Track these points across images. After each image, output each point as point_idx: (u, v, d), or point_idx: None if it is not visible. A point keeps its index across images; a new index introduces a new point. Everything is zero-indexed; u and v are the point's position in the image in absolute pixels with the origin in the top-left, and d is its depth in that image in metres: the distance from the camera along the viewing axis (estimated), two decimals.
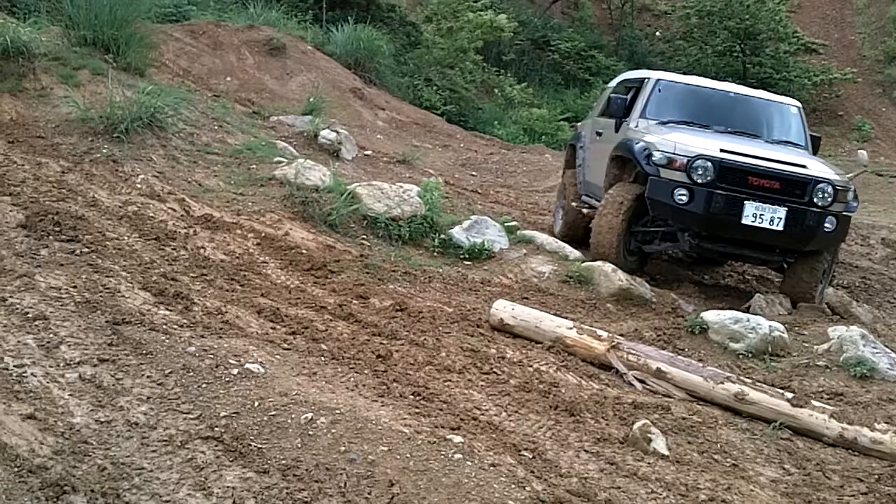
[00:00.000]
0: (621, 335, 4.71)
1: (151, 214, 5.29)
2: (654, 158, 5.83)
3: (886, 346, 4.95)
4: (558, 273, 5.97)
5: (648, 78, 7.04)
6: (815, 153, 6.90)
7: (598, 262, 6.01)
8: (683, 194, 5.68)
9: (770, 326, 5.00)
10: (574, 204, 7.63)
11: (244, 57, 13.13)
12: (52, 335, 3.36)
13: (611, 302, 5.65)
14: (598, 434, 3.48)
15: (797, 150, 6.56)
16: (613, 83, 8.28)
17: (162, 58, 10.50)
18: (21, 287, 3.78)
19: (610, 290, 5.74)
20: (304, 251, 5.42)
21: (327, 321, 4.32)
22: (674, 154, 5.76)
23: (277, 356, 3.66)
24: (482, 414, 3.49)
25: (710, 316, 5.18)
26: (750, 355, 4.86)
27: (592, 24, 25.05)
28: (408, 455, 2.89)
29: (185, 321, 3.85)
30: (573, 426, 3.53)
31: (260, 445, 2.83)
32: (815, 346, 5.02)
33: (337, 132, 9.40)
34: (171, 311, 3.95)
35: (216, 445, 2.79)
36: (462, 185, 10.16)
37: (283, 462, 2.75)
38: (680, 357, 4.47)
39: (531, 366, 4.16)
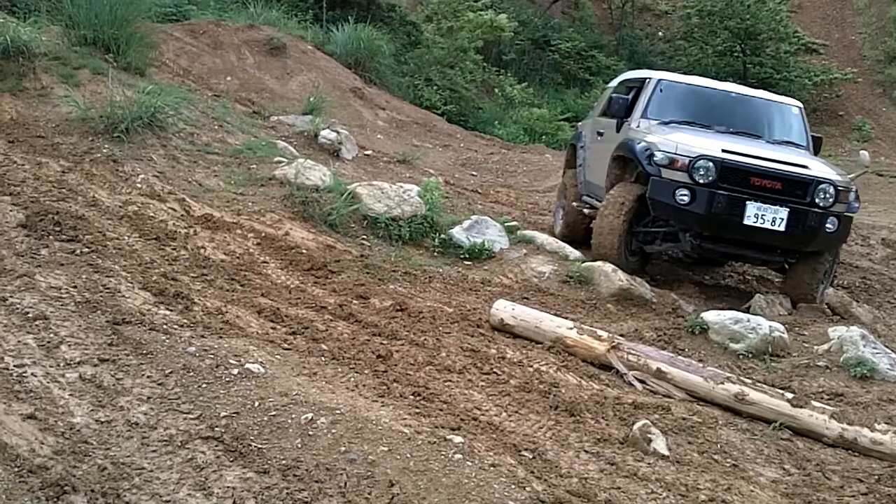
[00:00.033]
0: (621, 335, 4.71)
1: (152, 214, 5.29)
2: (655, 159, 5.83)
3: (886, 347, 4.95)
4: (558, 273, 5.97)
5: (650, 78, 7.04)
6: (816, 154, 6.90)
7: (599, 263, 6.01)
8: (685, 194, 5.68)
9: (770, 327, 5.00)
10: (575, 204, 7.62)
11: (244, 56, 13.12)
12: (52, 335, 3.36)
13: (611, 302, 5.64)
14: (599, 434, 3.48)
15: (798, 151, 6.56)
16: (614, 83, 8.28)
17: (162, 57, 10.50)
18: (21, 287, 3.78)
19: (610, 290, 5.74)
20: (304, 251, 5.42)
21: (327, 321, 4.32)
22: (675, 154, 5.76)
23: (278, 356, 3.66)
24: (482, 414, 3.49)
25: (711, 316, 5.18)
26: (750, 356, 4.86)
27: (593, 23, 25.04)
28: (408, 455, 2.89)
29: (185, 321, 3.85)
30: (573, 426, 3.53)
31: (260, 445, 2.83)
32: (816, 347, 5.02)
33: (337, 132, 9.40)
34: (171, 311, 3.95)
35: (216, 445, 2.79)
36: (462, 184, 10.16)
37: (284, 462, 2.75)
38: (680, 357, 4.47)
39: (531, 366, 4.16)
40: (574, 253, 6.44)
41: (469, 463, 2.93)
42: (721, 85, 7.22)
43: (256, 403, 3.11)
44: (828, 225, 5.69)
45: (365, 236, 6.11)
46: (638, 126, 6.52)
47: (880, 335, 5.50)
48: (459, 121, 16.39)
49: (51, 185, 5.32)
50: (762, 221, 5.60)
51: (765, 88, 8.63)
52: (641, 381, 4.19)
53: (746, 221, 5.61)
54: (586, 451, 3.31)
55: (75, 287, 3.90)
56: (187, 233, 5.17)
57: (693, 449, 3.52)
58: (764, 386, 4.15)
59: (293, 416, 3.04)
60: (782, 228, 5.62)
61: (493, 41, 19.43)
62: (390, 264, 5.66)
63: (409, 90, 16.39)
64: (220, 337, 3.74)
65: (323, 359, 3.77)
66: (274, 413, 3.05)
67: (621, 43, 23.95)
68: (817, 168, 5.92)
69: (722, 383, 4.08)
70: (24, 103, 6.57)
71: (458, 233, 6.36)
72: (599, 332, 4.53)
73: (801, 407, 3.90)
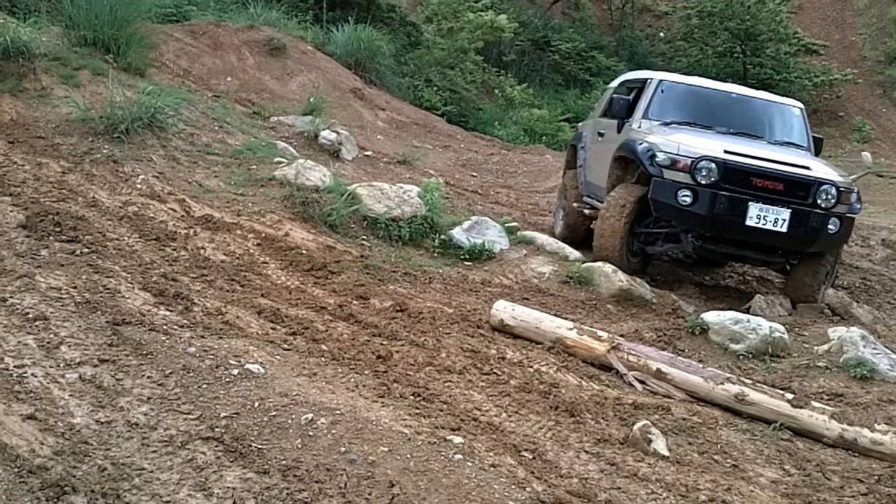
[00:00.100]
0: (622, 336, 4.71)
1: (152, 215, 5.29)
2: (657, 159, 5.82)
3: (886, 347, 4.95)
4: (559, 274, 5.97)
5: (651, 78, 7.03)
6: (817, 154, 6.90)
7: (599, 263, 6.01)
8: (687, 195, 5.67)
9: (770, 327, 4.99)
10: (575, 205, 7.62)
11: (244, 57, 13.13)
12: (52, 335, 3.36)
13: (611, 303, 5.64)
14: (599, 435, 3.48)
15: (800, 152, 6.55)
16: (614, 84, 8.27)
17: (162, 58, 10.50)
18: (21, 287, 3.78)
19: (610, 290, 5.74)
20: (304, 252, 5.42)
21: (327, 322, 4.32)
22: (677, 155, 5.75)
23: (278, 357, 3.66)
24: (482, 414, 3.49)
25: (711, 317, 5.17)
26: (750, 356, 4.86)
27: (593, 24, 25.06)
28: (408, 456, 2.89)
29: (185, 322, 3.85)
30: (573, 427, 3.53)
31: (260, 446, 2.83)
32: (816, 347, 5.02)
33: (337, 132, 9.41)
34: (171, 311, 3.95)
35: (216, 446, 2.79)
36: (462, 185, 10.16)
37: (284, 462, 2.74)
38: (680, 358, 4.46)
39: (531, 366, 4.16)
40: (574, 253, 6.43)
41: (469, 463, 2.93)
42: (722, 86, 7.22)
43: (256, 404, 3.10)
44: (830, 226, 5.69)
45: (365, 237, 6.11)
46: (639, 127, 6.51)
47: (880, 336, 5.50)
48: (459, 121, 16.39)
49: (51, 185, 5.32)
50: (764, 222, 5.60)
51: (765, 89, 8.64)
52: (641, 382, 4.19)
53: (748, 222, 5.60)
54: (586, 452, 3.31)
55: (75, 287, 3.90)
56: (187, 233, 5.17)
57: (693, 449, 3.52)
58: (764, 386, 4.15)
59: (293, 416, 3.04)
60: (784, 229, 5.61)
61: (493, 42, 19.44)
62: (390, 265, 5.66)
63: (410, 91, 16.40)
64: (220, 337, 3.74)
65: (323, 359, 3.77)
66: (274, 413, 3.05)
67: (621, 44, 23.97)
68: (819, 169, 5.91)
69: (722, 384, 4.07)
70: (25, 104, 6.57)
71: (458, 233, 6.36)
72: (599, 333, 4.53)
73: (801, 407, 3.90)
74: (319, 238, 5.76)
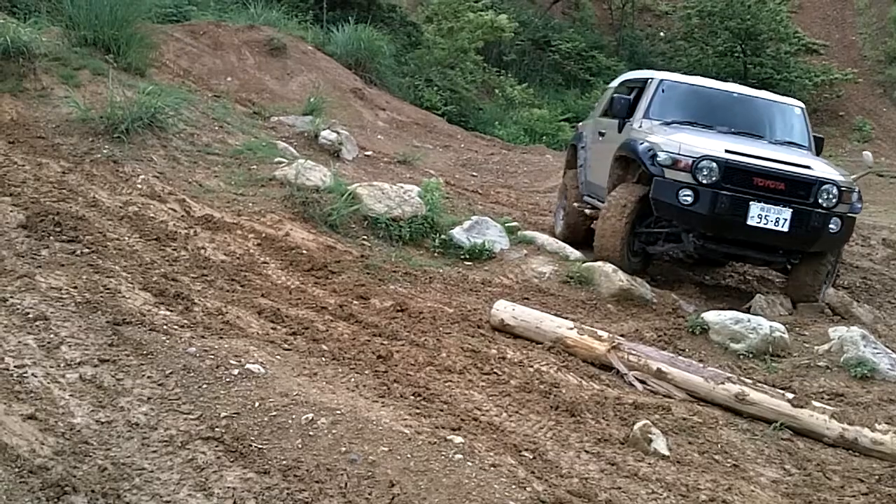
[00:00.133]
0: (622, 336, 4.71)
1: (152, 215, 5.29)
2: (658, 159, 5.82)
3: (887, 347, 4.95)
4: (559, 273, 5.97)
5: (652, 78, 7.03)
6: (818, 154, 6.90)
7: (599, 263, 6.01)
8: (688, 195, 5.67)
9: (771, 327, 4.99)
10: (576, 204, 7.62)
11: (245, 57, 13.13)
12: (52, 335, 3.36)
13: (611, 302, 5.64)
14: (599, 434, 3.48)
15: (801, 151, 6.55)
16: (615, 83, 8.27)
17: (162, 58, 10.50)
18: (22, 287, 3.78)
19: (610, 290, 5.73)
20: (304, 252, 5.42)
21: (328, 322, 4.31)
22: (679, 154, 5.75)
23: (278, 357, 3.66)
24: (483, 414, 3.49)
25: (711, 316, 5.17)
26: (751, 356, 4.86)
27: (593, 24, 25.05)
28: (408, 455, 2.89)
29: (185, 322, 3.85)
30: (574, 426, 3.53)
31: (260, 446, 2.83)
32: (816, 347, 5.02)
33: (337, 132, 9.41)
34: (171, 311, 3.95)
35: (217, 446, 2.79)
36: (463, 185, 10.16)
37: (284, 462, 2.74)
38: (680, 357, 4.46)
39: (532, 366, 4.15)
40: (574, 253, 6.43)
41: (469, 463, 2.93)
42: (723, 85, 7.22)
43: (257, 404, 3.10)
44: (831, 225, 5.69)
45: (365, 237, 6.11)
46: (640, 126, 6.51)
47: (881, 335, 5.50)
48: (460, 121, 16.39)
49: (51, 185, 5.32)
50: (766, 222, 5.60)
51: (765, 89, 8.63)
52: (642, 382, 4.18)
53: (750, 222, 5.60)
54: (587, 452, 3.31)
55: (76, 287, 3.90)
56: (188, 233, 5.17)
57: (693, 449, 3.52)
58: (764, 386, 4.15)
59: (293, 416, 3.04)
60: (786, 229, 5.61)
61: (493, 42, 19.43)
62: (391, 265, 5.66)
63: (410, 91, 16.39)
64: (221, 337, 3.74)
65: (323, 359, 3.77)
66: (274, 413, 3.05)
67: (622, 43, 23.96)
68: (820, 168, 5.91)
69: (722, 383, 4.07)
70: (25, 104, 6.57)
71: (458, 233, 6.36)
72: (600, 333, 4.53)
73: (801, 407, 3.90)
74: (320, 238, 5.76)
